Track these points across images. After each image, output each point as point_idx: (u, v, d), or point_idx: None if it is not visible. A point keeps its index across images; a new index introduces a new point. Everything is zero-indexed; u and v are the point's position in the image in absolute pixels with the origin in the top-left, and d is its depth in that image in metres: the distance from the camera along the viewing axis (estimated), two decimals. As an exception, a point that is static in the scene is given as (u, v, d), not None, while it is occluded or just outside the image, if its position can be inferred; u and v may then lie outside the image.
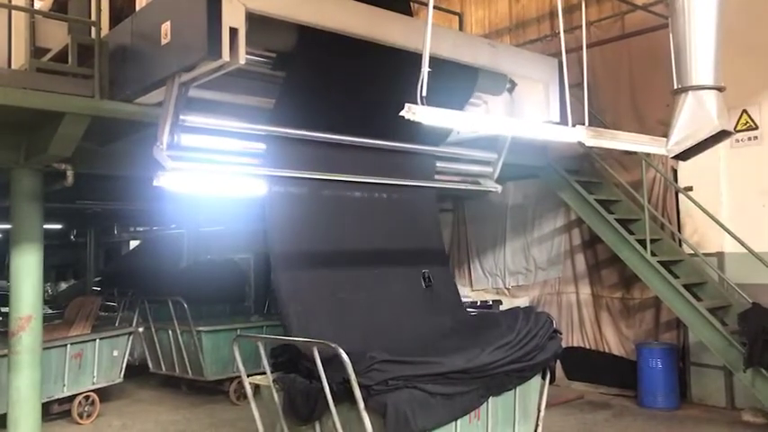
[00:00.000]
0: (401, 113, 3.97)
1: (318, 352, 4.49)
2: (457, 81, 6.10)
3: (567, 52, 5.45)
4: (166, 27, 4.52)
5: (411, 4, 6.91)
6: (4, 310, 10.63)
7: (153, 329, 10.06)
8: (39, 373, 6.21)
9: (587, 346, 9.78)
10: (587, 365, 9.72)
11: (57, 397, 8.26)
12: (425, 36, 4.20)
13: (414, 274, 6.29)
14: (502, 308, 9.63)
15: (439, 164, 6.76)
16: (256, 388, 5.15)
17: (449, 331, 5.95)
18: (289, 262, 5.52)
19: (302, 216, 5.68)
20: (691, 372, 8.73)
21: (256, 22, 4.52)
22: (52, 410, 8.23)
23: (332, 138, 5.73)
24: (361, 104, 5.80)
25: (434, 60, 5.33)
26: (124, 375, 9.26)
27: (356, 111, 5.80)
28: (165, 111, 4.73)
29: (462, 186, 7.06)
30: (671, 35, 5.32)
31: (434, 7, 4.47)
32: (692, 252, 8.44)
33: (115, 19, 5.64)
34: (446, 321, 6.13)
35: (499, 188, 7.18)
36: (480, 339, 5.37)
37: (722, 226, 8.07)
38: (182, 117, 4.82)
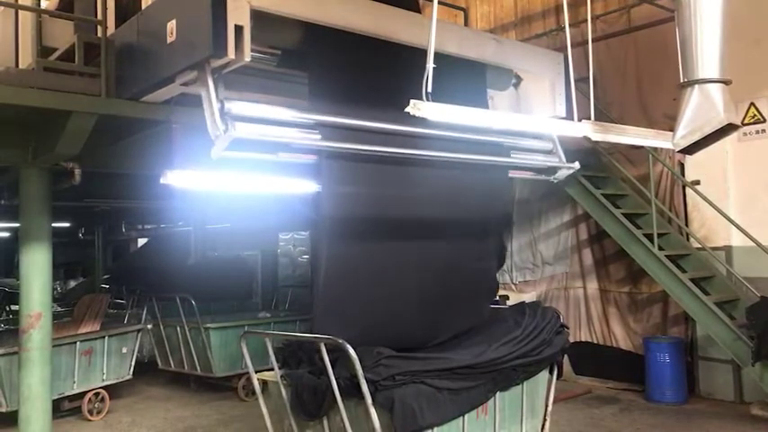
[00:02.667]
0: (406, 110, 3.97)
1: (326, 348, 4.51)
2: (470, 78, 6.03)
3: (572, 47, 5.43)
4: (172, 25, 4.53)
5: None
6: (15, 307, 10.76)
7: (161, 326, 10.12)
8: (49, 370, 6.27)
9: (595, 341, 9.78)
10: (595, 360, 9.72)
11: (67, 394, 8.33)
12: (430, 32, 4.20)
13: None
14: (509, 303, 9.62)
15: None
16: (264, 384, 5.18)
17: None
18: (341, 236, 5.02)
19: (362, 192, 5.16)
20: (699, 366, 8.72)
21: (261, 19, 4.52)
22: (63, 407, 8.31)
23: (397, 128, 5.17)
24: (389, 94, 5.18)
25: (452, 58, 5.30)
26: (133, 372, 9.32)
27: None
28: (206, 99, 4.37)
29: (543, 164, 6.58)
30: (677, 28, 5.29)
31: (439, 2, 4.46)
32: (700, 246, 8.43)
33: (121, 18, 5.67)
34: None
35: (577, 165, 6.66)
36: (487, 335, 5.38)
37: (730, 220, 8.04)
38: (226, 105, 4.40)
